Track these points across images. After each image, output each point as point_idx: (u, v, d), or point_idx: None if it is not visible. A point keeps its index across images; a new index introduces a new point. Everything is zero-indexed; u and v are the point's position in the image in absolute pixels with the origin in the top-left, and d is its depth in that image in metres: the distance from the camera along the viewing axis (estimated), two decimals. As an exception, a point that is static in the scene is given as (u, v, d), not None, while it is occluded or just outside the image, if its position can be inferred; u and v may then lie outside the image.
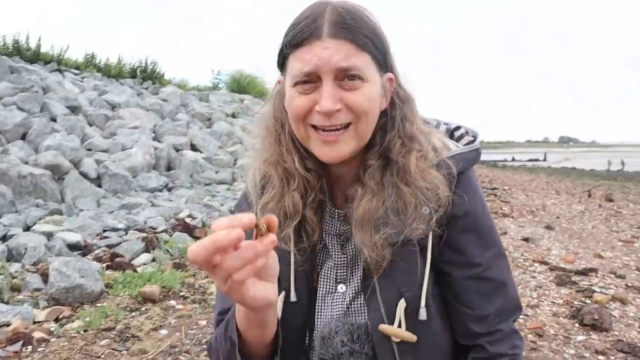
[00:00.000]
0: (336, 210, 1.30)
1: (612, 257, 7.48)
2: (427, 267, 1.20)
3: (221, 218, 0.81)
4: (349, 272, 1.30)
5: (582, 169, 32.04)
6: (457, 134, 1.36)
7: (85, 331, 3.77)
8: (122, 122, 12.05)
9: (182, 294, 4.69)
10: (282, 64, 1.23)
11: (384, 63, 1.19)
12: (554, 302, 5.12)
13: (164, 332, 3.90)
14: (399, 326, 1.18)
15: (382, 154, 1.22)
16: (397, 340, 1.18)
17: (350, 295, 1.28)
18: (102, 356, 3.45)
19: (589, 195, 15.91)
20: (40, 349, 3.50)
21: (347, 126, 1.14)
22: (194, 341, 3.79)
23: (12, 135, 8.96)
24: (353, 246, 1.25)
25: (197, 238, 6.63)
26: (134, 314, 4.18)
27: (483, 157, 1.38)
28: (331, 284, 1.30)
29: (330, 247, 1.31)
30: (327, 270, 1.31)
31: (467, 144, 1.29)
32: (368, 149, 1.22)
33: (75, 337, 3.69)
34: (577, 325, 4.46)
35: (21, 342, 3.50)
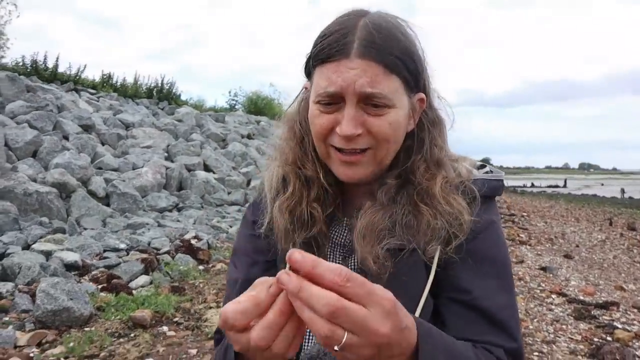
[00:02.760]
0: (345, 219, 1.23)
1: (635, 290, 7.18)
2: (429, 283, 1.09)
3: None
4: None
5: (603, 197, 31.37)
6: (481, 170, 1.26)
7: (66, 358, 3.57)
8: (135, 141, 12.01)
9: (175, 319, 4.47)
10: (308, 72, 1.19)
11: (415, 84, 1.13)
12: (571, 338, 4.83)
13: (150, 360, 3.68)
14: None
15: (402, 175, 1.17)
16: None
17: None
18: (81, 386, 3.24)
19: (610, 224, 15.53)
20: (15, 377, 3.31)
21: (366, 150, 1.10)
22: (181, 372, 3.57)
23: (22, 153, 8.93)
24: (356, 260, 1.16)
25: (200, 260, 6.45)
26: (121, 340, 3.97)
27: None
28: None
29: (330, 258, 1.22)
30: None
31: None
32: (388, 169, 1.18)
33: (55, 364, 3.49)
34: (597, 366, 4.20)
35: (-4, 368, 3.32)
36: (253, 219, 1.30)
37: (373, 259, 1.07)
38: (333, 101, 1.08)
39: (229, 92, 25.01)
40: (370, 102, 1.06)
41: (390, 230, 1.09)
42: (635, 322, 5.47)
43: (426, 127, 1.19)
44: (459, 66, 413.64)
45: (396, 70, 1.07)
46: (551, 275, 7.69)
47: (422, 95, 1.17)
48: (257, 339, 0.74)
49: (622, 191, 33.78)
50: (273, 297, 0.74)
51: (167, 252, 6.44)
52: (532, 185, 47.23)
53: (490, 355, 1.04)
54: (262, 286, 0.76)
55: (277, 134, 1.34)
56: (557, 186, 48.22)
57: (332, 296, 0.69)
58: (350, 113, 1.06)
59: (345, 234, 1.21)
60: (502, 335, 1.08)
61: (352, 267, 1.17)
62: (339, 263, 1.15)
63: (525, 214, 17.52)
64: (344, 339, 0.70)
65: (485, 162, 1.33)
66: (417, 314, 1.06)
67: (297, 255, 0.71)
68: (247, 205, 1.54)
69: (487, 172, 1.24)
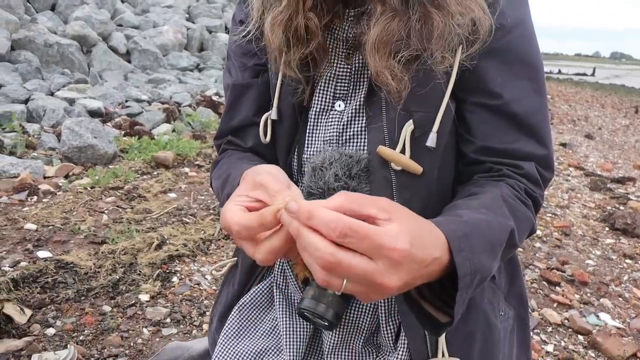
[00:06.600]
0: (347, 10, 1.02)
1: (654, 171, 7.16)
2: (449, 88, 0.95)
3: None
4: (351, 87, 1.04)
5: (632, 87, 30.22)
6: None
7: (92, 188, 3.71)
8: (155, 0, 11.69)
9: (197, 162, 4.59)
10: None
11: None
12: (585, 205, 4.90)
13: (172, 195, 3.82)
14: (402, 152, 0.95)
15: None
16: (398, 168, 0.96)
17: (349, 115, 1.03)
18: (106, 212, 3.39)
19: (636, 112, 15.27)
20: (45, 200, 3.46)
21: None
22: (201, 206, 3.70)
23: (40, 5, 8.77)
24: (360, 57, 1.00)
25: (220, 114, 6.48)
26: (144, 177, 4.10)
27: None
28: (328, 99, 1.06)
29: (333, 54, 1.04)
30: (325, 84, 1.05)
31: None
32: None
33: (82, 192, 3.64)
34: (607, 228, 4.29)
35: (26, 192, 3.46)
36: (240, 17, 1.14)
37: (391, 75, 0.92)
38: None
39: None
40: None
41: (405, 40, 0.92)
42: (649, 197, 5.50)
43: None
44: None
45: None
46: (571, 151, 7.67)
47: None
48: (261, 259, 0.73)
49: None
50: (279, 221, 0.70)
51: (189, 106, 6.48)
52: (559, 72, 45.56)
53: (518, 193, 0.95)
54: (268, 210, 0.71)
55: None
56: (585, 74, 46.38)
57: (326, 249, 0.63)
58: None
59: (347, 27, 1.03)
60: (532, 142, 0.99)
61: (356, 65, 1.03)
62: (341, 62, 1.03)
63: (549, 96, 17.20)
64: (343, 287, 0.65)
65: None
66: (436, 122, 0.96)
67: (293, 205, 0.65)
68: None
69: None
